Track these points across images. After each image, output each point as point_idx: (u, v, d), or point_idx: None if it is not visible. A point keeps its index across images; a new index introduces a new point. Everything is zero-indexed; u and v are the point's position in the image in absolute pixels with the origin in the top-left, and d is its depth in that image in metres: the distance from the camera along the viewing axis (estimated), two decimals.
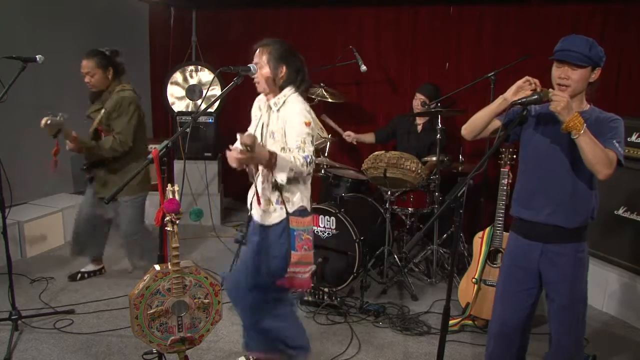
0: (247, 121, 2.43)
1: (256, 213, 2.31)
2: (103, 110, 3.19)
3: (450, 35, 4.73)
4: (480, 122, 2.10)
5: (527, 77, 1.96)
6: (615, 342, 3.05)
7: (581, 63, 1.90)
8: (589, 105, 2.02)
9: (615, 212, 3.39)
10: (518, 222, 2.15)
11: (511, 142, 2.16)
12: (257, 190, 2.25)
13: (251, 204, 2.33)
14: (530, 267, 2.11)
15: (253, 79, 2.25)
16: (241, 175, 2.34)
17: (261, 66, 2.20)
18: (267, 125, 2.26)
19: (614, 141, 1.89)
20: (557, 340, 2.13)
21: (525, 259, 2.12)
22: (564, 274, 2.05)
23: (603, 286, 3.40)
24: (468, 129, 2.16)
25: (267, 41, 2.25)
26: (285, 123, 2.17)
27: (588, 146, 1.82)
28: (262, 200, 2.24)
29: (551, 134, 2.01)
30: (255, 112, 2.39)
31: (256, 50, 2.24)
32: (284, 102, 2.21)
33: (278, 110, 2.22)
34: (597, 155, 1.82)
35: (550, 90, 1.90)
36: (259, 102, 2.37)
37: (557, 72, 1.96)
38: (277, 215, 2.23)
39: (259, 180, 2.25)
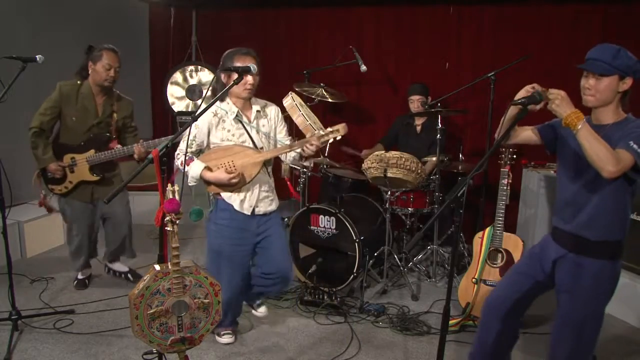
0: None
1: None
2: (116, 114, 3.27)
3: (450, 35, 4.74)
4: (504, 127, 2.12)
5: (527, 87, 1.94)
6: (616, 343, 3.05)
7: (603, 72, 1.87)
8: (625, 115, 1.96)
9: None
10: (553, 229, 2.17)
11: (551, 153, 2.18)
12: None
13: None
14: (544, 259, 2.11)
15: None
16: None
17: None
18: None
19: (631, 142, 1.82)
20: (551, 347, 2.12)
21: (543, 252, 2.14)
22: (576, 284, 2.02)
23: None
24: (500, 134, 2.20)
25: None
26: None
27: (586, 142, 1.81)
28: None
29: (579, 147, 1.94)
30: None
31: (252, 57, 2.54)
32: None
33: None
34: (596, 152, 1.80)
35: (548, 89, 1.90)
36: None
37: (582, 81, 1.94)
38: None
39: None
